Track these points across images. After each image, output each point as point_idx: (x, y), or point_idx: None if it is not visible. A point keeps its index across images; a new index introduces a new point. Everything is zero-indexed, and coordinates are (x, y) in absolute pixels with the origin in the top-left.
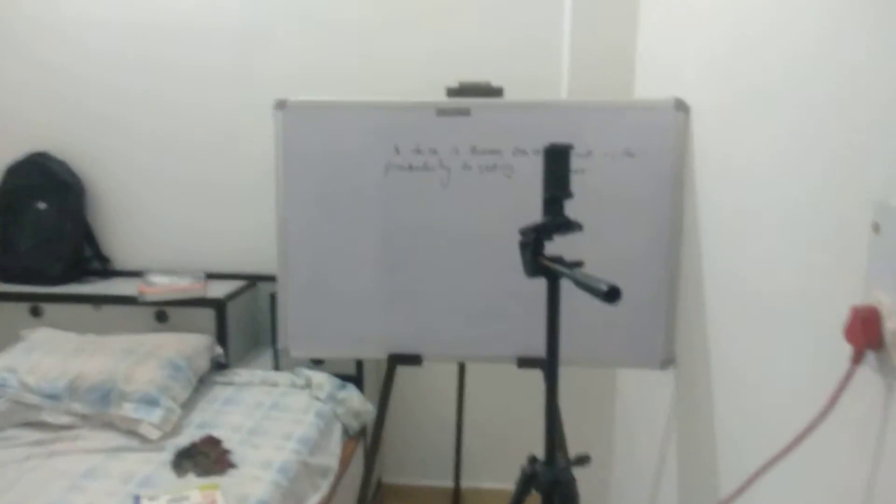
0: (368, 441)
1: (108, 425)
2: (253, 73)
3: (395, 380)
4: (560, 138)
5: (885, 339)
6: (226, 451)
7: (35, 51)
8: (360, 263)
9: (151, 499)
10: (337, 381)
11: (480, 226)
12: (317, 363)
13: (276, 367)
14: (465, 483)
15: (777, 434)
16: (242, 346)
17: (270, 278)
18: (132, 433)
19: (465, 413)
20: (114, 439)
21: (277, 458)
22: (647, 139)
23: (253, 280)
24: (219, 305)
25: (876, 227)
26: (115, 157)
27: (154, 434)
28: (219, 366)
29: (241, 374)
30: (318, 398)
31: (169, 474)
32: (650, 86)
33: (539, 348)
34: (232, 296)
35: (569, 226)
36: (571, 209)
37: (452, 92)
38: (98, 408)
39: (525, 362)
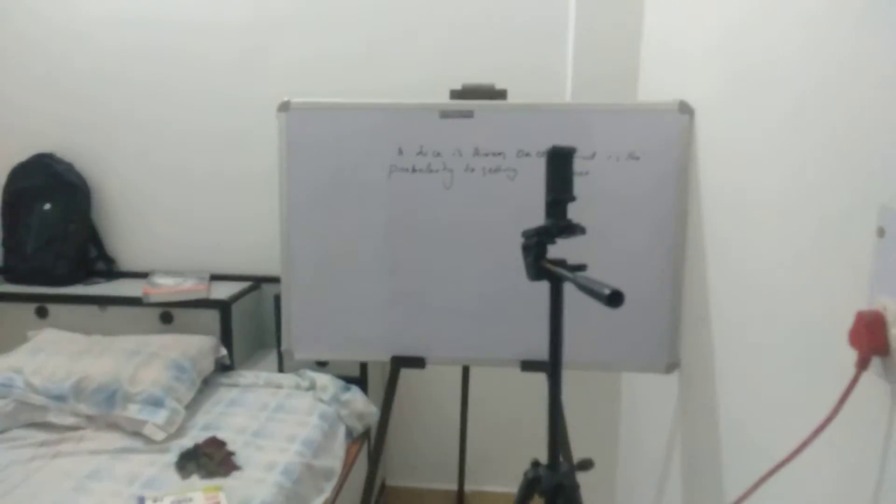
0: (372, 443)
1: (113, 426)
2: (257, 74)
3: (400, 382)
4: (564, 141)
5: (890, 344)
6: (230, 453)
7: (40, 52)
8: (363, 266)
9: (155, 500)
10: (341, 383)
11: (484, 228)
12: (321, 365)
13: (281, 369)
14: (469, 486)
15: (782, 439)
16: (247, 347)
17: (275, 280)
18: (137, 434)
19: (469, 416)
20: (119, 440)
21: (281, 460)
22: (651, 141)
23: (257, 281)
24: (223, 307)
25: (881, 232)
26: (121, 158)
27: (159, 435)
28: (223, 367)
29: (245, 376)
30: (322, 400)
31: (173, 476)
32: (654, 86)
33: (543, 351)
34: (236, 297)
35: (571, 229)
36: (575, 212)
37: (456, 94)
38: (103, 409)
39: (529, 365)
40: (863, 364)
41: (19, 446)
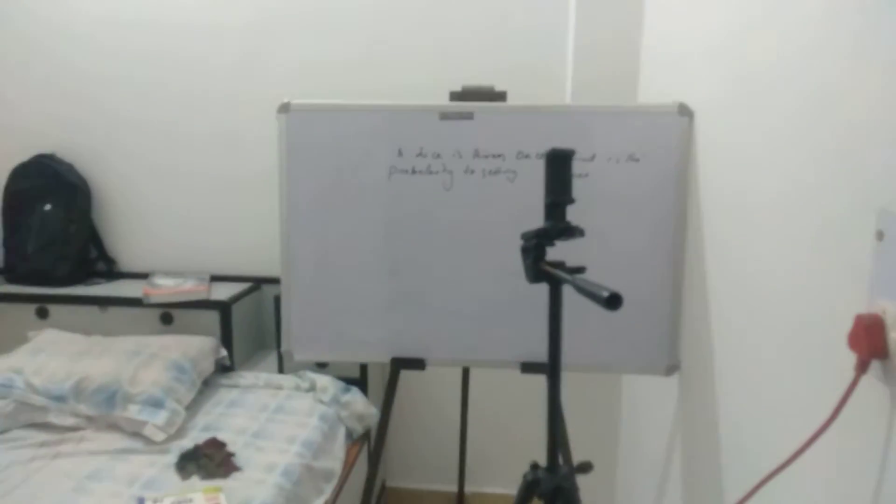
0: (372, 445)
1: (113, 427)
2: (258, 76)
3: (400, 383)
4: (564, 143)
5: (889, 348)
6: (230, 454)
7: (41, 53)
8: (363, 267)
9: (155, 501)
10: (341, 384)
11: (483, 230)
12: (321, 366)
13: (281, 370)
14: (469, 487)
15: (782, 442)
16: (247, 348)
17: (275, 281)
18: (137, 435)
19: (469, 417)
20: (119, 441)
21: (281, 461)
22: (650, 144)
23: (258, 282)
24: (223, 308)
25: (880, 235)
26: (121, 159)
27: (159, 436)
28: (223, 368)
29: (245, 377)
30: (322, 401)
31: (173, 477)
32: (654, 88)
33: (543, 353)
34: (236, 298)
35: (570, 231)
36: (575, 213)
37: (455, 96)
38: (103, 409)
39: (529, 367)
40: (862, 367)
41: (19, 447)
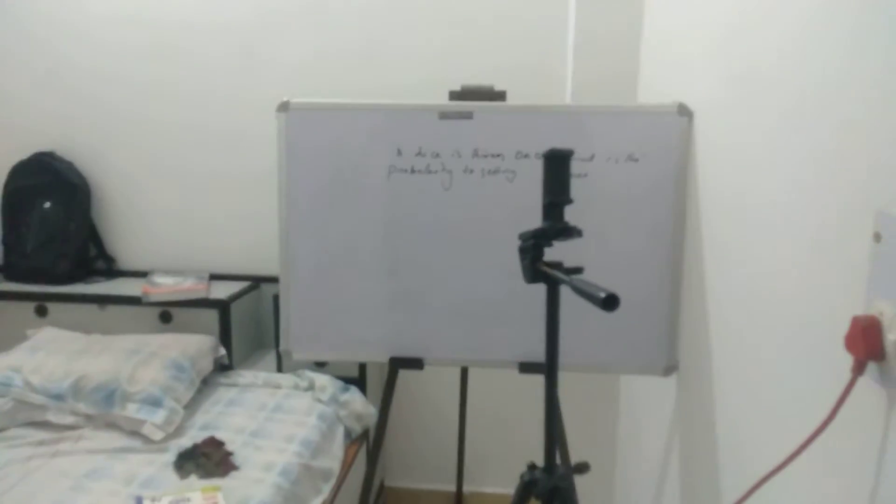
0: (371, 444)
1: (112, 426)
2: (257, 74)
3: (399, 383)
4: (563, 143)
5: (886, 349)
6: (228, 453)
7: (41, 51)
8: (362, 266)
9: (153, 500)
10: (340, 383)
11: (482, 229)
12: (320, 365)
13: (280, 369)
14: (468, 487)
15: (780, 442)
16: (246, 347)
17: (274, 279)
18: (135, 434)
19: (467, 417)
20: (117, 440)
21: (279, 460)
22: (650, 144)
23: (257, 281)
24: (222, 306)
25: (877, 237)
26: (121, 157)
27: (157, 435)
28: (222, 367)
29: (244, 376)
30: (320, 400)
31: (171, 475)
32: (654, 87)
33: (541, 353)
34: (235, 297)
35: (568, 232)
36: (574, 214)
37: (455, 95)
38: (102, 408)
39: (527, 367)
40: (859, 369)
41: (18, 445)
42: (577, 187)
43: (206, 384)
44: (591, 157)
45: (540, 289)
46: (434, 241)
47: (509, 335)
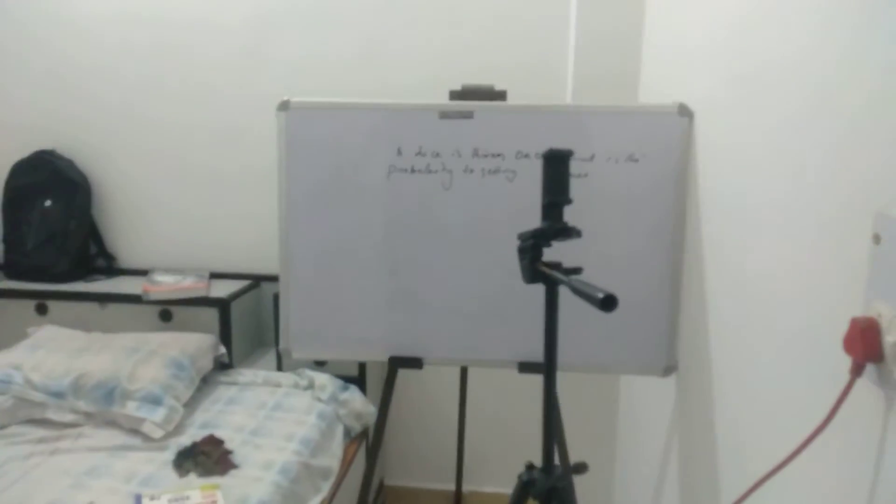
0: (370, 443)
1: (112, 424)
2: (257, 73)
3: (399, 382)
4: (563, 142)
5: (884, 351)
6: (227, 452)
7: (41, 49)
8: (361, 265)
9: (153, 498)
10: (339, 382)
11: (482, 229)
12: (320, 364)
13: (280, 368)
14: (467, 486)
15: (778, 443)
16: (246, 346)
17: (274, 278)
18: (135, 432)
19: (467, 416)
20: (117, 438)
21: (279, 459)
22: (650, 144)
23: (257, 280)
24: (222, 305)
25: (876, 239)
26: (121, 155)
27: (157, 433)
28: (222, 365)
29: (244, 374)
30: (320, 399)
31: (171, 474)
32: (655, 87)
33: (540, 353)
34: (236, 295)
35: (567, 232)
36: (574, 213)
37: (455, 95)
38: (102, 406)
39: (526, 367)
40: (857, 370)
41: (17, 443)
42: (577, 187)
43: (205, 382)
44: (592, 157)
45: (539, 289)
46: (434, 240)
47: (509, 335)
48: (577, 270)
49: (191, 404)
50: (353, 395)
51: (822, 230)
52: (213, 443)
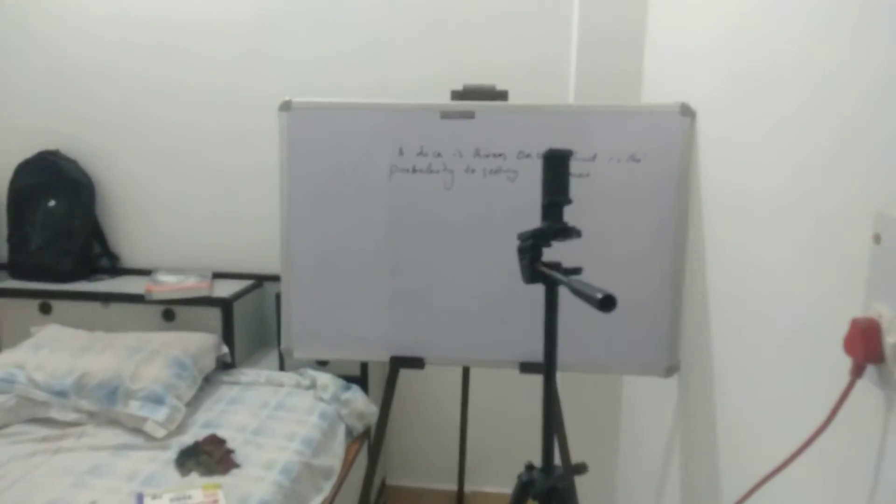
0: (372, 443)
1: (114, 423)
2: (260, 73)
3: (401, 382)
4: (565, 142)
5: (885, 352)
6: (229, 451)
7: (45, 49)
8: (363, 265)
9: (154, 497)
10: (341, 382)
11: (484, 229)
12: (322, 364)
13: (282, 368)
14: (469, 486)
15: (779, 444)
16: (248, 345)
17: (277, 278)
18: (138, 431)
19: (469, 416)
20: (119, 437)
21: (280, 458)
22: (652, 144)
23: (259, 280)
24: (225, 305)
25: (877, 239)
26: (125, 155)
27: (159, 432)
28: (224, 365)
29: (246, 374)
30: (322, 399)
31: (173, 473)
32: (658, 86)
33: (542, 353)
34: (238, 295)
35: (567, 232)
36: (576, 214)
37: (457, 95)
38: (104, 405)
39: (527, 367)
40: (857, 371)
41: (20, 441)
42: (578, 187)
43: (208, 382)
44: (593, 157)
45: (540, 289)
46: (435, 240)
47: (510, 335)
48: (576, 270)
49: (193, 404)
50: (355, 395)
51: (822, 230)
52: (215, 442)
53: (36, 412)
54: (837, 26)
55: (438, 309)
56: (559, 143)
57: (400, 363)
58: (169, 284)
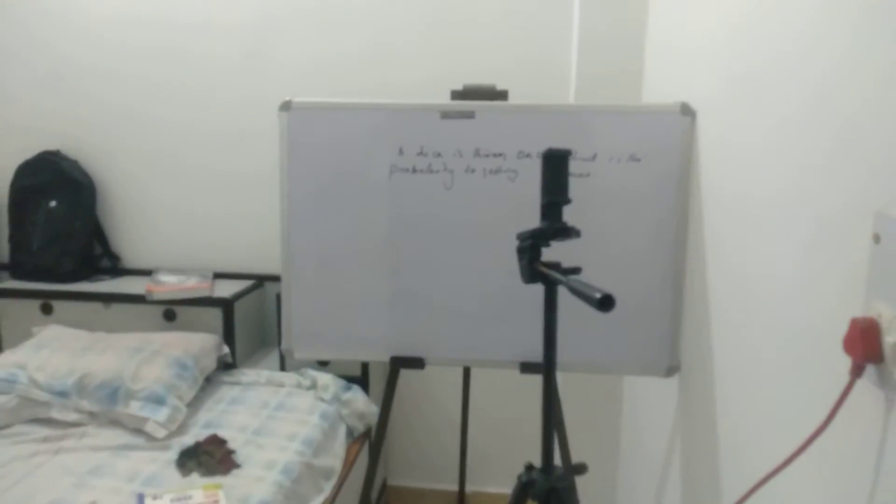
0: (372, 443)
1: (115, 423)
2: (260, 74)
3: (402, 382)
4: (565, 142)
5: (884, 352)
6: (230, 451)
7: (46, 50)
8: (363, 266)
9: (155, 497)
10: (342, 382)
11: (484, 229)
12: (323, 364)
13: (283, 368)
14: (470, 487)
15: (779, 443)
16: (249, 345)
17: (278, 278)
18: (138, 431)
19: (470, 416)
20: (120, 437)
21: (281, 458)
22: (652, 143)
23: (260, 280)
24: (226, 305)
25: (876, 238)
26: (126, 156)
27: (160, 432)
28: (225, 365)
29: (247, 374)
30: (323, 399)
31: (173, 473)
32: (658, 86)
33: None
34: (239, 295)
35: (566, 232)
36: (576, 213)
37: (457, 94)
38: (105, 405)
39: (528, 367)
40: (857, 371)
41: (22, 442)
42: (579, 187)
43: (209, 382)
44: (594, 157)
45: (541, 289)
46: (435, 240)
47: (510, 335)
48: (575, 270)
49: (194, 404)
50: (356, 395)
51: (822, 230)
52: (216, 442)
53: (37, 412)
54: (837, 26)
55: (438, 309)
56: (559, 143)
57: (400, 363)
58: (170, 285)
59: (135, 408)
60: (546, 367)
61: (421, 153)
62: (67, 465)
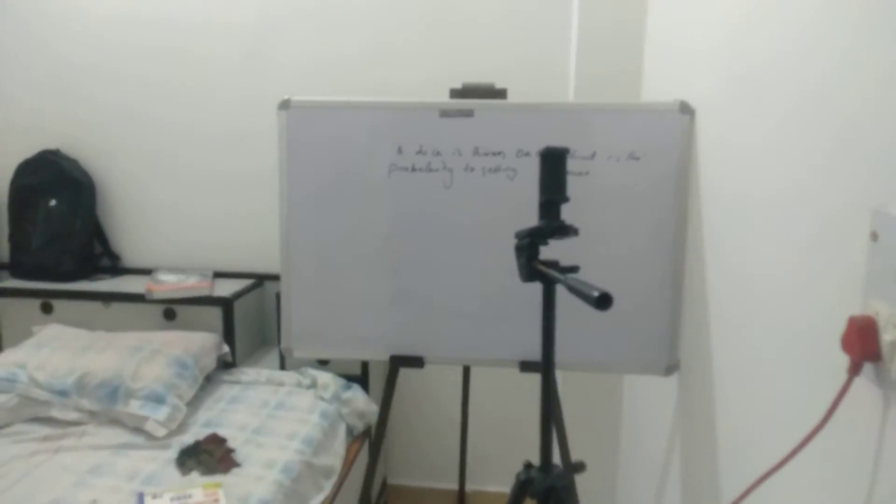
0: (372, 442)
1: (115, 422)
2: (260, 73)
3: (402, 381)
4: (564, 140)
5: (882, 350)
6: (230, 450)
7: (46, 50)
8: (362, 264)
9: (155, 496)
10: (342, 381)
11: (483, 228)
12: (323, 363)
13: (283, 367)
14: (470, 486)
15: (778, 442)
16: (249, 344)
17: (278, 277)
18: (138, 430)
19: (470, 415)
20: (120, 436)
21: (281, 457)
22: (651, 142)
23: (260, 279)
24: (226, 304)
25: (874, 236)
26: (126, 155)
27: (160, 431)
28: (225, 364)
29: (247, 373)
30: (322, 398)
31: (173, 472)
32: (658, 85)
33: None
34: (239, 294)
35: (564, 230)
36: (575, 212)
37: (456, 93)
38: (105, 404)
39: (527, 366)
40: (855, 369)
41: (22, 441)
42: (578, 185)
43: (208, 381)
44: (592, 156)
45: (540, 288)
46: (435, 239)
47: (510, 334)
48: (573, 269)
49: (194, 403)
50: (356, 394)
51: (820, 228)
52: (216, 441)
53: (37, 411)
54: (837, 26)
55: (438, 307)
56: (558, 142)
57: (400, 362)
58: (170, 284)
59: (135, 407)
60: (544, 366)
61: (420, 152)
62: (67, 464)
